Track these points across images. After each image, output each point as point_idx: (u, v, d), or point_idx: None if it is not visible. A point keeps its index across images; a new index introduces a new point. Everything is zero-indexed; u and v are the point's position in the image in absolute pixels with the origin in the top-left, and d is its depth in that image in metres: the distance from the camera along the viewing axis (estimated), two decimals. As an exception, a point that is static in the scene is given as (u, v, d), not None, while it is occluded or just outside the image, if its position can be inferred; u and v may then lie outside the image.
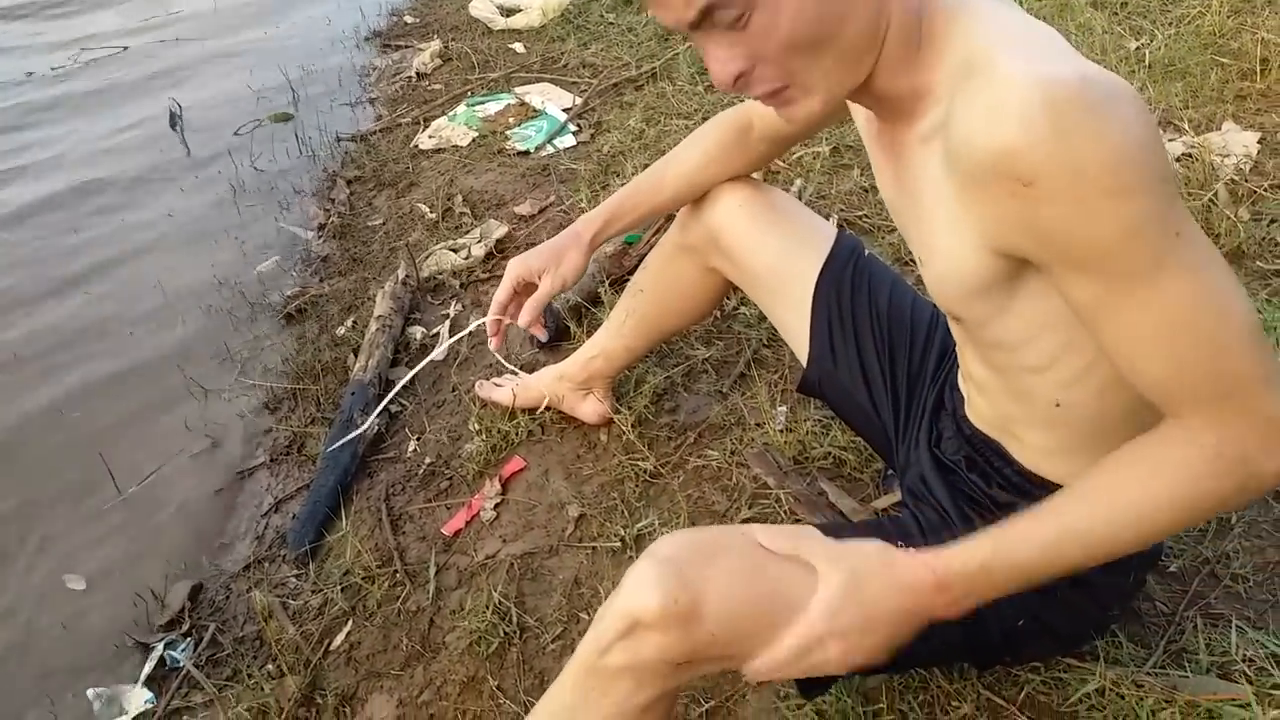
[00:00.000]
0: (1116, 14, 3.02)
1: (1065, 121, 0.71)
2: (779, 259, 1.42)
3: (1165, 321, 0.76)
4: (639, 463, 1.72)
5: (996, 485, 1.06)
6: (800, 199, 2.34)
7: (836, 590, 0.87)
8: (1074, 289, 0.80)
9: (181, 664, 1.68)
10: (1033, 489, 1.02)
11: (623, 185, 1.55)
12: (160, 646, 1.72)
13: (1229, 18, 2.76)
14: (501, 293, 1.52)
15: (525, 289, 1.52)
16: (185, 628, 1.77)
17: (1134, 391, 0.86)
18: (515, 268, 1.51)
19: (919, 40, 0.84)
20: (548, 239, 1.55)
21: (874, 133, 0.99)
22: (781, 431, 1.70)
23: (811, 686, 1.09)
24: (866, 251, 1.41)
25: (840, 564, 0.88)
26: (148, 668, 1.69)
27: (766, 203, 1.43)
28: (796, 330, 1.42)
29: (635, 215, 1.51)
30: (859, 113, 1.04)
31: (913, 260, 2.11)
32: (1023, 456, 1.04)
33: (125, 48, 4.72)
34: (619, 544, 1.60)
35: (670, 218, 1.76)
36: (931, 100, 0.85)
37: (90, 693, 1.65)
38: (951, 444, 1.14)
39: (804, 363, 1.42)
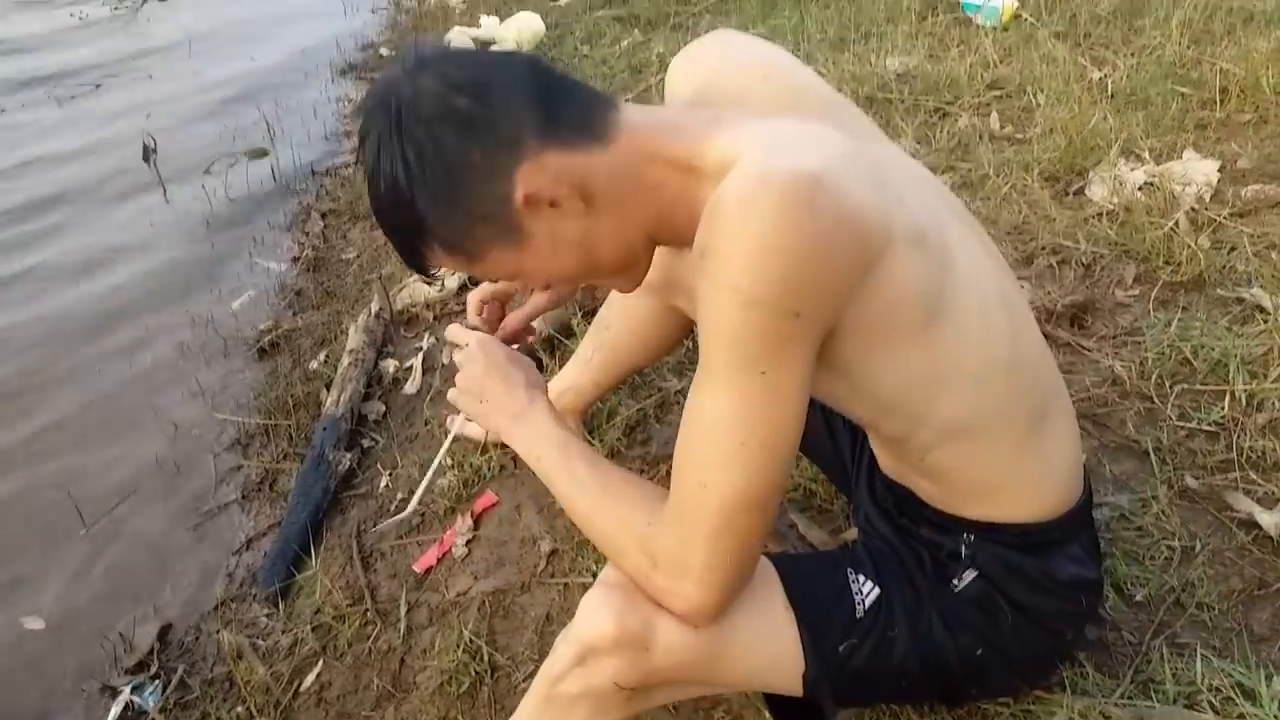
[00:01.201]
0: (1079, 44, 3.08)
1: (750, 212, 0.76)
2: None
3: (695, 424, 0.85)
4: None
5: (924, 524, 1.08)
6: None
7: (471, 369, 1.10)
8: None
9: (148, 708, 1.66)
10: (948, 523, 1.05)
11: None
12: (127, 690, 1.69)
13: (1189, 48, 2.82)
14: (481, 290, 1.36)
15: (501, 296, 1.38)
16: (153, 670, 1.74)
17: (987, 444, 0.96)
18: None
19: (689, 176, 0.88)
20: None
21: (666, 266, 1.13)
22: (752, 463, 1.70)
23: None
24: None
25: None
26: (115, 712, 1.66)
27: None
28: None
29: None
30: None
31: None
32: (925, 497, 1.06)
33: (98, 85, 4.71)
34: (591, 579, 1.58)
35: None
36: (697, 220, 0.87)
37: (61, 737, 1.62)
38: (880, 490, 1.17)
39: None
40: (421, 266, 0.94)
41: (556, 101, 0.87)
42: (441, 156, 0.85)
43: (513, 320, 1.37)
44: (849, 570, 1.06)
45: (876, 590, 1.04)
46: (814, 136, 0.85)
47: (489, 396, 1.09)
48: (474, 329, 1.38)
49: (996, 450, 0.97)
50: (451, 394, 1.14)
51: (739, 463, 0.82)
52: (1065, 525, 1.04)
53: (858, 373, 0.91)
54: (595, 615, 0.93)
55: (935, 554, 1.07)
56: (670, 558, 0.88)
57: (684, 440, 0.86)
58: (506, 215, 0.87)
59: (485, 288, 1.37)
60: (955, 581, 1.05)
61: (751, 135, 0.85)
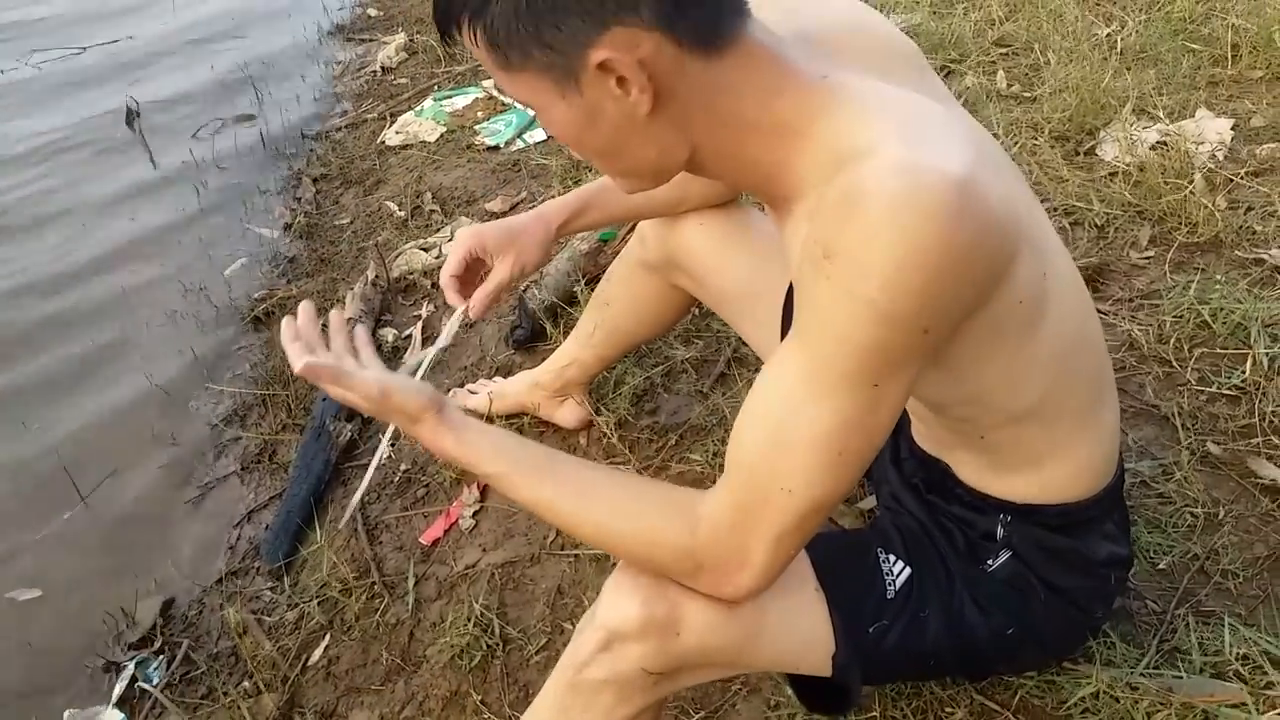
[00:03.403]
0: (1086, 0, 3.02)
1: (898, 220, 0.69)
2: (743, 279, 1.38)
3: (789, 428, 0.78)
4: (621, 466, 1.69)
5: (955, 502, 1.05)
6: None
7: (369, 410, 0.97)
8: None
9: (154, 683, 1.63)
10: (983, 504, 1.02)
11: (594, 178, 1.50)
12: (131, 665, 1.67)
13: (1199, 4, 2.77)
14: (451, 265, 1.32)
15: (474, 264, 1.34)
16: (157, 645, 1.72)
17: (1051, 422, 0.92)
18: (467, 240, 1.32)
19: (767, 141, 0.80)
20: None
21: (768, 212, 0.98)
22: (764, 432, 1.67)
23: (827, 708, 1.06)
24: None
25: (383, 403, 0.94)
26: (119, 688, 1.64)
27: (726, 221, 1.38)
28: (767, 345, 1.37)
29: (607, 212, 1.41)
30: None
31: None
32: (965, 476, 1.03)
33: (83, 48, 4.59)
34: (602, 552, 1.57)
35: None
36: (804, 187, 0.80)
37: (65, 715, 1.60)
38: (909, 464, 1.14)
39: None
40: (449, 35, 0.80)
41: None
42: None
43: (478, 297, 1.31)
44: (879, 550, 1.03)
45: (907, 570, 1.02)
46: (943, 122, 0.78)
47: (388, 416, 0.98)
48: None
49: (1058, 428, 0.94)
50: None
51: (831, 472, 0.78)
52: (1102, 503, 1.01)
53: (957, 369, 0.86)
54: (620, 600, 0.90)
55: (967, 533, 1.04)
56: (726, 561, 0.84)
57: (770, 440, 0.79)
58: (572, 61, 0.76)
59: (456, 262, 1.32)
60: (989, 561, 1.02)
61: (879, 114, 0.76)
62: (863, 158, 0.72)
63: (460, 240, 1.34)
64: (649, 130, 0.80)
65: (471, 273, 1.34)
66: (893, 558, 1.02)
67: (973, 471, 1.03)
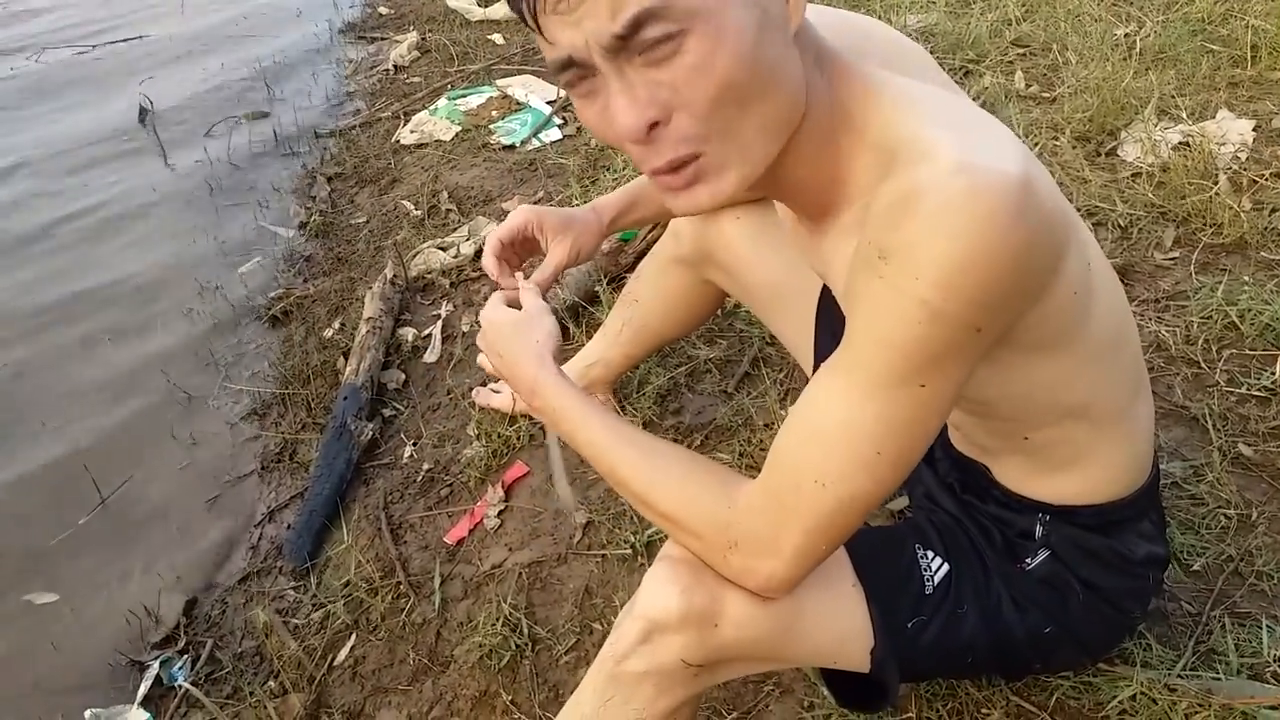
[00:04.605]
0: (1103, 0, 3.02)
1: (956, 222, 0.68)
2: (779, 275, 1.37)
3: (827, 422, 0.77)
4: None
5: (992, 502, 1.05)
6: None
7: (499, 326, 1.08)
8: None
9: (179, 682, 1.63)
10: (1020, 506, 1.02)
11: (614, 178, 1.49)
12: (156, 664, 1.66)
13: (1218, 4, 2.76)
14: (504, 231, 1.28)
15: (523, 242, 1.31)
16: (181, 644, 1.71)
17: (1094, 419, 0.92)
18: (526, 215, 1.30)
19: (834, 130, 0.78)
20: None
21: (793, 223, 0.95)
22: (791, 432, 1.67)
23: (863, 705, 1.06)
24: None
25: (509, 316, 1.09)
26: (144, 687, 1.63)
27: (763, 216, 1.38)
28: (800, 343, 1.38)
29: (654, 208, 1.40)
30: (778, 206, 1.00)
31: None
32: (1005, 478, 1.03)
33: (92, 46, 4.59)
34: (629, 551, 1.57)
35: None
36: (852, 193, 0.79)
37: (88, 714, 1.59)
38: (943, 464, 1.14)
39: (808, 373, 1.38)
40: None
41: None
42: None
43: (537, 277, 1.28)
44: (917, 546, 1.03)
45: (945, 566, 1.02)
46: (988, 120, 0.76)
47: (503, 364, 1.08)
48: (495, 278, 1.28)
49: (1101, 425, 0.94)
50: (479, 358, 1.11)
51: (868, 471, 0.77)
52: (1138, 502, 1.01)
53: (1009, 366, 0.85)
54: (661, 591, 0.90)
55: (1004, 531, 1.04)
56: (757, 542, 0.84)
57: (808, 434, 0.79)
58: None
59: (509, 230, 1.29)
60: (1028, 560, 1.02)
61: (927, 111, 0.74)
62: (918, 161, 0.71)
63: (519, 214, 1.30)
64: (790, 56, 0.74)
65: (516, 250, 1.31)
66: (930, 553, 1.02)
67: (1013, 474, 1.02)
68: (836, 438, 0.77)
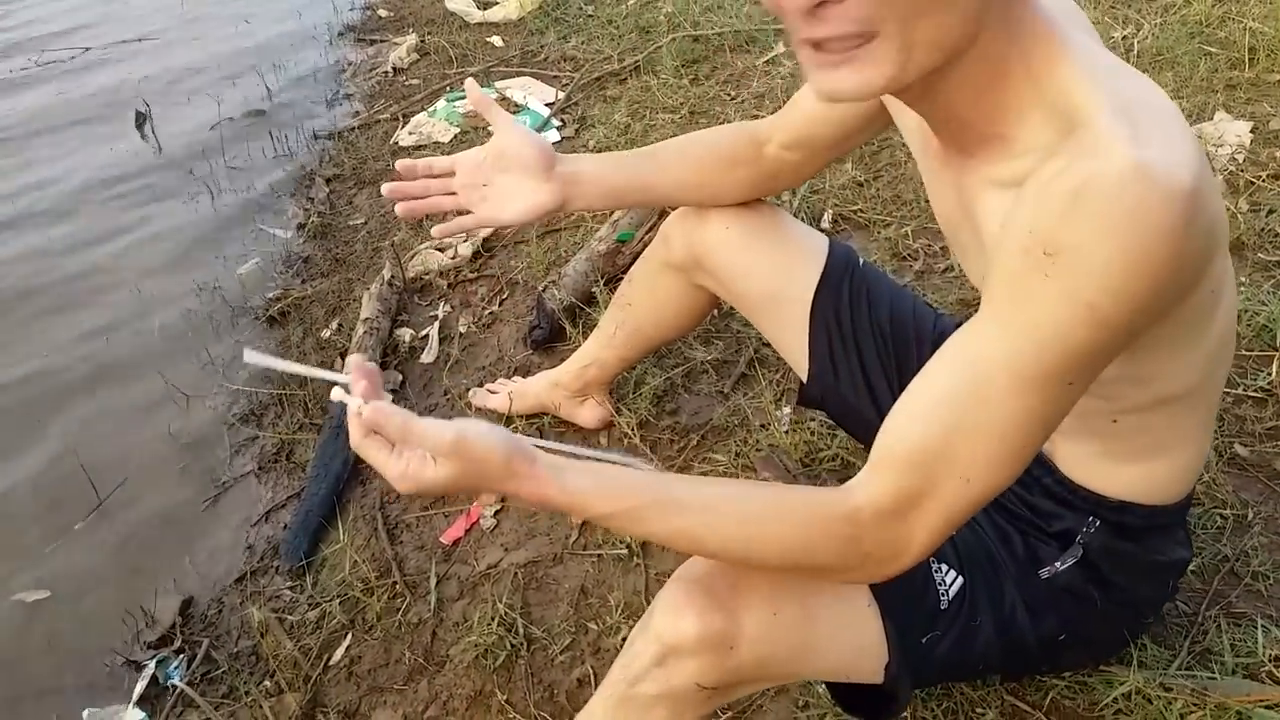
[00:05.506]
0: (1101, 2, 3.02)
1: (1128, 227, 0.66)
2: (770, 281, 1.35)
3: (982, 421, 0.74)
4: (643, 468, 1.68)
5: (1039, 493, 1.03)
6: (794, 193, 2.31)
7: (447, 476, 0.80)
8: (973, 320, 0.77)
9: (175, 682, 1.63)
10: (1074, 498, 1.00)
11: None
12: (152, 664, 1.66)
13: (1215, 6, 2.77)
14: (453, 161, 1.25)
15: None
16: (177, 644, 1.71)
17: (1188, 411, 0.89)
18: (465, 162, 1.26)
19: (1008, 71, 0.75)
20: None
21: (931, 150, 0.91)
22: (787, 433, 1.67)
23: (871, 713, 1.05)
24: (861, 261, 1.36)
25: (458, 457, 0.79)
26: (140, 687, 1.63)
27: (753, 222, 1.35)
28: (794, 347, 1.37)
29: (626, 196, 1.35)
30: (907, 120, 0.95)
31: (910, 256, 2.10)
32: (1064, 464, 1.01)
33: (87, 48, 4.59)
34: (625, 551, 1.57)
35: (662, 214, 1.71)
36: (1015, 146, 0.77)
37: (85, 714, 1.59)
38: None
39: (802, 377, 1.37)
40: None
41: None
42: None
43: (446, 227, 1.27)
44: (931, 560, 1.02)
45: (960, 580, 1.01)
46: (1163, 107, 0.73)
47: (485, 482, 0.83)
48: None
49: (1181, 421, 0.92)
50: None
51: (1011, 462, 0.76)
52: (1182, 508, 1.01)
53: (1140, 351, 0.82)
54: (677, 614, 0.88)
55: (1028, 536, 1.03)
56: (893, 546, 0.79)
57: (953, 428, 0.75)
58: None
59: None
60: (1056, 565, 1.01)
61: (1107, 86, 0.72)
62: (1095, 152, 0.69)
63: (528, 143, 1.27)
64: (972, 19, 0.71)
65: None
66: (945, 566, 1.01)
67: (1081, 458, 0.99)
68: (988, 434, 0.74)
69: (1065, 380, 0.73)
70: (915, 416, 0.78)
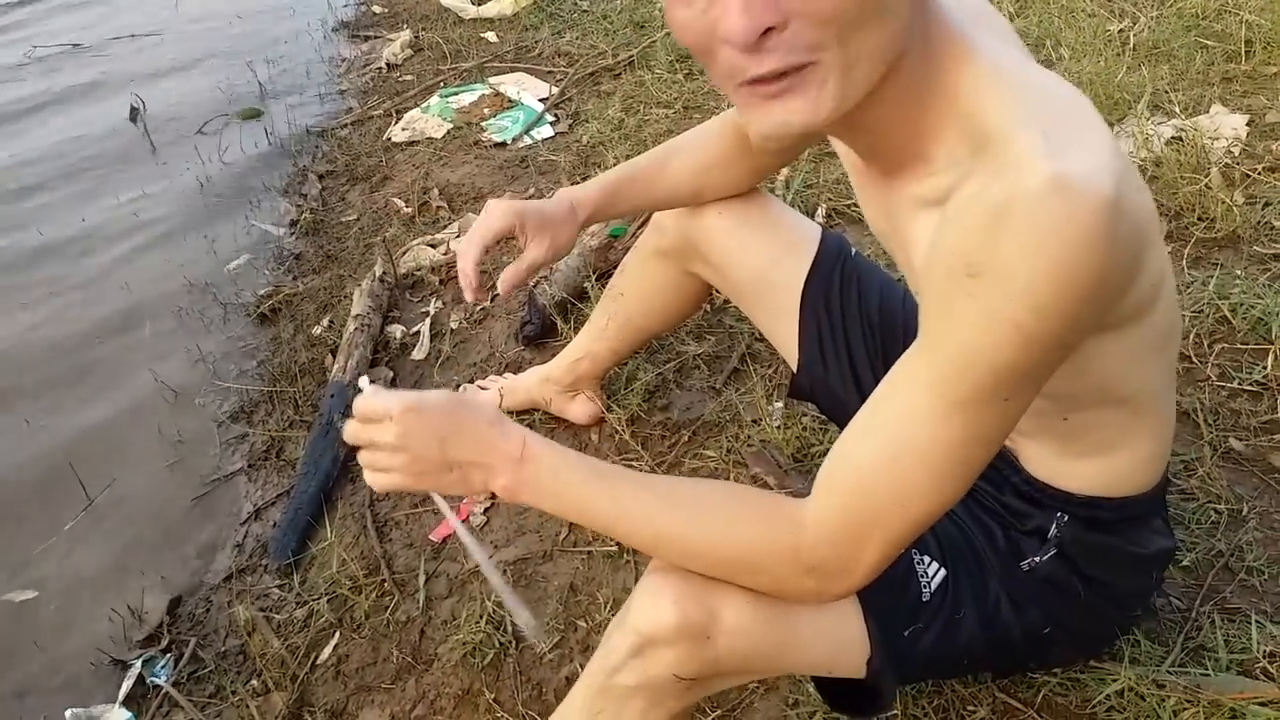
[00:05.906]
0: (1097, -4, 3.01)
1: (1049, 244, 0.65)
2: (762, 268, 1.35)
3: (909, 445, 0.75)
4: (633, 463, 1.67)
5: (1009, 492, 1.03)
6: (788, 189, 2.30)
7: (394, 433, 0.88)
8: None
9: (161, 681, 1.61)
10: (1042, 496, 0.99)
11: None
12: (138, 664, 1.65)
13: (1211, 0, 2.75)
14: (488, 234, 1.26)
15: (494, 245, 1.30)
16: (164, 643, 1.70)
17: (1138, 406, 0.89)
18: (507, 216, 1.27)
19: (923, 86, 0.74)
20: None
21: (858, 169, 0.91)
22: (779, 428, 1.66)
23: (856, 709, 1.04)
24: (854, 251, 1.36)
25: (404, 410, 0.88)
26: (126, 686, 1.62)
27: (746, 209, 1.35)
28: (784, 336, 1.36)
29: (630, 205, 1.38)
30: (839, 144, 0.95)
31: (904, 249, 2.08)
32: (1031, 464, 1.00)
33: (77, 44, 4.57)
34: (615, 548, 1.55)
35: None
36: (934, 164, 0.76)
37: (68, 714, 1.57)
38: None
39: (793, 367, 1.37)
40: None
41: None
42: None
43: (510, 274, 1.30)
44: (913, 552, 1.01)
45: (943, 572, 1.00)
46: (1081, 113, 0.71)
47: (459, 450, 0.89)
48: (471, 281, 1.26)
49: (1136, 416, 0.92)
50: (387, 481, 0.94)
51: (950, 483, 0.75)
52: (1155, 498, 1.00)
53: (1083, 359, 0.81)
54: (654, 605, 0.87)
55: (1008, 530, 1.02)
56: (835, 564, 0.80)
57: (890, 454, 0.75)
58: None
59: (494, 234, 1.27)
60: (1035, 559, 1.00)
61: (1021, 96, 0.72)
62: (1011, 167, 0.67)
63: (500, 216, 1.27)
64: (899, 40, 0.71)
65: (489, 251, 1.29)
66: (927, 559, 1.00)
67: (1042, 458, 0.99)
68: (922, 457, 0.74)
69: (1000, 398, 0.72)
70: (855, 440, 0.79)
